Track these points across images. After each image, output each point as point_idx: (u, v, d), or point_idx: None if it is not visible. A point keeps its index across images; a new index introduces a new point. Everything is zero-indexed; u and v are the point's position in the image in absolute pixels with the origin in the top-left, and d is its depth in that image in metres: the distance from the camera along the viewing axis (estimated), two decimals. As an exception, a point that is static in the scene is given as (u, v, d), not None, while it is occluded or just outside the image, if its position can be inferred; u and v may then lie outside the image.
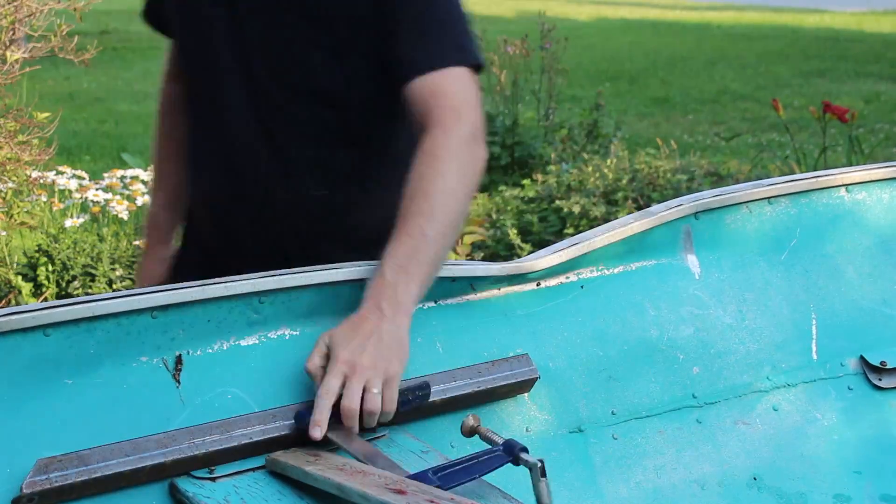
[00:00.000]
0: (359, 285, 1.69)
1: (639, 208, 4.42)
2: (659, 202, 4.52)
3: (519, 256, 3.63)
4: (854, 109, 5.43)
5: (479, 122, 1.68)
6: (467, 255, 4.27)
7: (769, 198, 2.05)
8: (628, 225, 1.88)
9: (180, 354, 1.60)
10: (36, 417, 1.49)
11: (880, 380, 2.04)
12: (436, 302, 1.78)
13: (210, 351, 1.62)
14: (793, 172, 5.16)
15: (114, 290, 3.99)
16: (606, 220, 4.39)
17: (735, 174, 5.30)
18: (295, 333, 1.68)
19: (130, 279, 4.03)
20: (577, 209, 4.41)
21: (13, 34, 3.31)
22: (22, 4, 3.14)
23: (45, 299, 3.94)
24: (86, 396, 1.53)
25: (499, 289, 1.83)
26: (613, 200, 4.46)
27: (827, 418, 1.98)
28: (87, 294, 4.16)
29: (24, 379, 1.50)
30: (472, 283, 1.80)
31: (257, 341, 1.66)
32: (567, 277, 1.87)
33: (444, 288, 1.77)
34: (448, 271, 1.75)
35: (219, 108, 1.86)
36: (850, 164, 4.98)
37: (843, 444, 1.96)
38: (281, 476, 1.57)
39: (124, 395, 1.56)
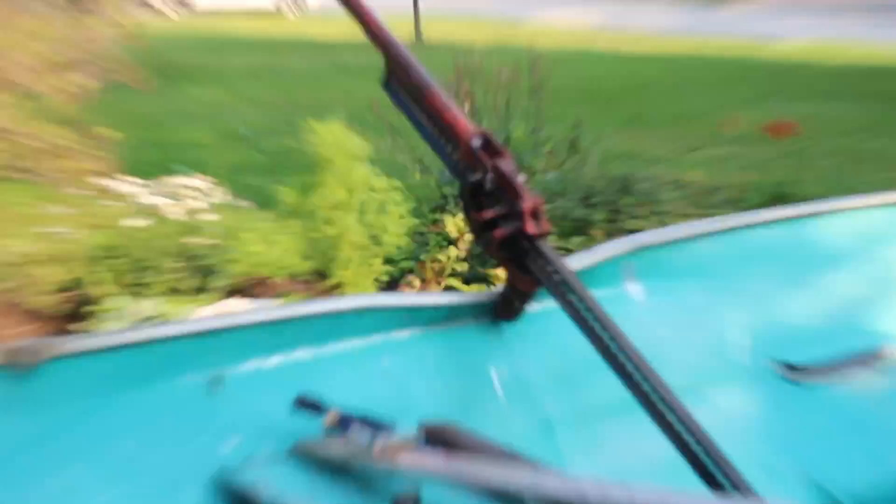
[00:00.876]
0: (356, 314, 1.79)
1: (613, 212, 4.50)
2: (631, 206, 4.61)
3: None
4: (799, 125, 5.50)
5: None
6: (467, 251, 4.35)
7: (696, 235, 2.14)
8: (575, 261, 1.95)
9: (218, 373, 1.70)
10: (101, 426, 1.60)
11: (795, 376, 2.13)
12: (426, 327, 1.87)
13: (242, 370, 1.72)
14: (745, 184, 5.23)
15: (163, 279, 4.11)
16: (584, 221, 4.48)
17: (697, 182, 5.37)
18: (309, 356, 1.78)
19: (179, 269, 4.12)
20: (559, 212, 4.49)
21: (84, 64, 3.40)
22: (94, 38, 3.24)
23: (111, 292, 4.02)
24: (142, 408, 1.64)
25: (456, 322, 1.92)
26: (591, 204, 4.53)
27: (754, 409, 2.05)
28: (139, 285, 4.25)
29: (92, 393, 1.61)
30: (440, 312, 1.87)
31: (279, 362, 1.75)
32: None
33: (425, 315, 1.89)
34: (405, 299, 1.86)
35: None
36: (797, 172, 5.07)
37: (769, 431, 2.02)
38: (304, 459, 1.67)
39: (172, 402, 1.67)
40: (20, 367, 1.56)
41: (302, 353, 1.70)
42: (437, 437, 1.66)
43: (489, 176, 1.73)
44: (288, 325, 1.70)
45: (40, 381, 1.53)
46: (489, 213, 1.75)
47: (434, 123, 1.82)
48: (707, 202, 4.81)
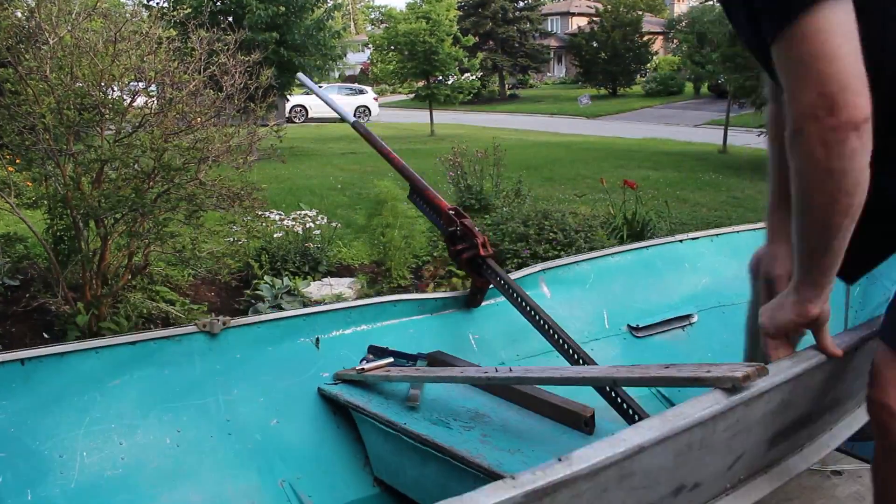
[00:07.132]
0: (394, 304, 1.71)
1: (539, 229, 4.40)
2: (550, 227, 4.46)
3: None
4: (638, 183, 5.39)
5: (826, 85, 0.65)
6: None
7: (577, 262, 2.06)
8: (514, 274, 1.89)
9: (318, 337, 1.63)
10: (257, 364, 1.55)
11: (636, 333, 2.05)
12: (431, 314, 1.79)
13: (331, 335, 1.65)
14: (611, 214, 5.11)
15: (291, 266, 3.97)
16: (524, 235, 4.38)
17: (585, 213, 5.27)
18: (369, 327, 1.69)
19: (300, 260, 4.03)
20: (510, 229, 4.40)
21: (251, 149, 3.25)
22: (257, 134, 3.12)
23: (264, 273, 3.94)
24: (278, 354, 1.57)
25: (448, 309, 1.84)
26: (527, 225, 4.44)
27: (615, 352, 1.98)
28: (289, 270, 4.14)
29: (251, 348, 1.56)
30: (441, 304, 1.81)
31: (351, 331, 1.67)
32: (485, 303, 1.87)
33: (430, 306, 1.79)
34: (418, 296, 1.79)
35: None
36: (637, 210, 4.90)
37: (610, 362, 1.96)
38: (367, 379, 1.59)
39: (294, 353, 1.59)
40: (210, 331, 1.49)
41: (364, 326, 1.68)
42: (435, 362, 1.60)
43: (459, 228, 1.70)
44: (356, 310, 1.67)
45: (221, 339, 1.50)
46: (459, 246, 1.72)
47: (430, 206, 1.82)
48: (589, 224, 4.69)
